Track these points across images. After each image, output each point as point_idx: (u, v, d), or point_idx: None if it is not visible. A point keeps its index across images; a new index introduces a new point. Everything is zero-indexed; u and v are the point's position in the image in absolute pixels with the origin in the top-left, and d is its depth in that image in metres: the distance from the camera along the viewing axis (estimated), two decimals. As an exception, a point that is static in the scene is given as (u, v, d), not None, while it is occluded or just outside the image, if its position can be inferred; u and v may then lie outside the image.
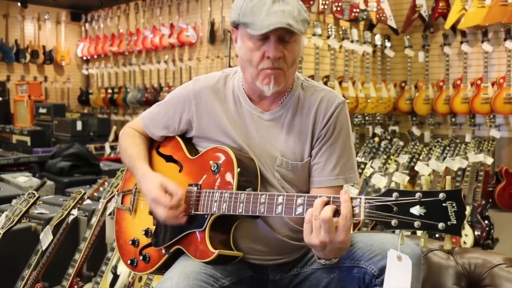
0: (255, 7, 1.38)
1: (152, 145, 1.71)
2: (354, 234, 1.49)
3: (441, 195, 1.07)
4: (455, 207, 1.06)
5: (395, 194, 1.13)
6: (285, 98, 1.53)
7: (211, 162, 1.48)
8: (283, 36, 1.39)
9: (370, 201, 1.17)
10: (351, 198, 1.22)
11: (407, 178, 3.70)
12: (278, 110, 1.52)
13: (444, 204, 1.07)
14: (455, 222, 1.06)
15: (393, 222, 1.12)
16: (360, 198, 1.19)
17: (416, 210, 1.09)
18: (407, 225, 1.11)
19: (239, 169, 1.41)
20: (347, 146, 1.51)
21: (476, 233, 4.01)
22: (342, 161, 1.50)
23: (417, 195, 1.10)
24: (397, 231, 1.17)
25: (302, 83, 1.56)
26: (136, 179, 1.61)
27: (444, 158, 4.13)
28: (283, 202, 1.30)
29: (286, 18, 1.35)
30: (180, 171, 1.58)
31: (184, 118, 1.59)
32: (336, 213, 1.22)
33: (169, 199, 1.42)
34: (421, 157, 4.24)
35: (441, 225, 1.07)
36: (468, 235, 3.99)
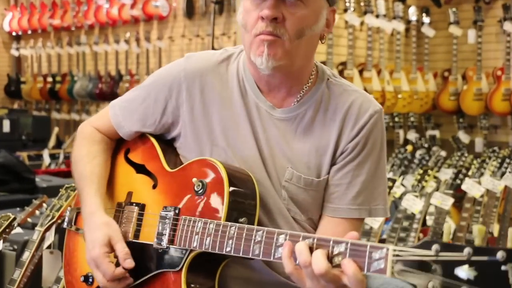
0: None
1: (119, 147, 1.71)
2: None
3: (500, 255, 1.05)
4: (520, 273, 1.05)
5: (435, 247, 1.12)
6: (303, 93, 1.56)
7: (194, 179, 1.50)
8: None
9: (400, 253, 1.15)
10: (374, 247, 1.17)
11: (452, 200, 3.71)
12: (294, 108, 1.57)
13: (503, 268, 1.05)
14: (518, 294, 1.06)
15: (431, 284, 1.12)
16: (387, 249, 1.16)
17: (463, 271, 1.09)
18: (449, 290, 1.11)
19: (231, 188, 1.42)
20: (378, 169, 1.56)
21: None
22: (369, 188, 1.55)
23: (466, 251, 1.09)
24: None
25: (328, 79, 1.61)
26: (82, 213, 1.63)
27: (503, 173, 4.13)
28: None
29: None
30: (154, 187, 1.62)
31: (170, 107, 1.63)
32: None
33: (113, 269, 1.47)
34: (470, 172, 4.25)
35: (497, 296, 1.06)
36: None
